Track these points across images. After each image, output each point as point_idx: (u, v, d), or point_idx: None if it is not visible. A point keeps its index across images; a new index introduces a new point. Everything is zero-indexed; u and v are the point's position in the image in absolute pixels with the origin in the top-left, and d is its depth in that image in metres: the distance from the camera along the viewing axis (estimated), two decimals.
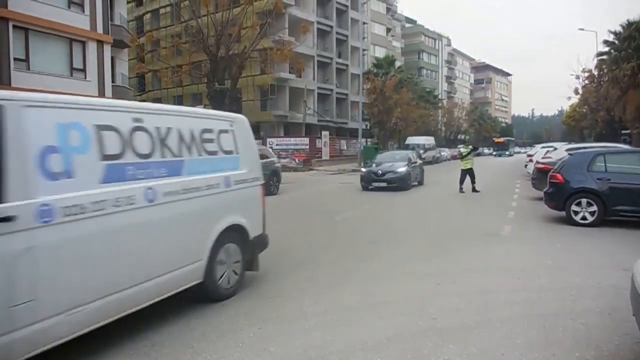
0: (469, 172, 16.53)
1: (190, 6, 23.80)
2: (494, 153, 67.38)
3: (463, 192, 16.19)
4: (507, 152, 68.89)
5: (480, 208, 12.74)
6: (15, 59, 19.61)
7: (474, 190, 16.22)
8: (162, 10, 45.14)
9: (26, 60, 20.25)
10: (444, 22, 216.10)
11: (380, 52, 58.31)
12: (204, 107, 36.26)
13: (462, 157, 17.38)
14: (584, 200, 9.35)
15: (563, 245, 7.67)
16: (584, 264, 6.49)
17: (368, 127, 44.78)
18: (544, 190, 10.55)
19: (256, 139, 28.84)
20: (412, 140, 43.10)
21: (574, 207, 9.45)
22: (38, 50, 20.70)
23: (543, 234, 8.71)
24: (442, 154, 48.08)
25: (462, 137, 73.54)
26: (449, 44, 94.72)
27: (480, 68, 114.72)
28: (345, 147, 41.80)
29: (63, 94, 19.73)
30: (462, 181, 16.55)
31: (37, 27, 20.25)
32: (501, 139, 75.77)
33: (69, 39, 21.84)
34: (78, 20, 22.04)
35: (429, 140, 44.15)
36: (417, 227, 10.02)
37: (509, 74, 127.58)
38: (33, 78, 20.00)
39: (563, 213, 9.70)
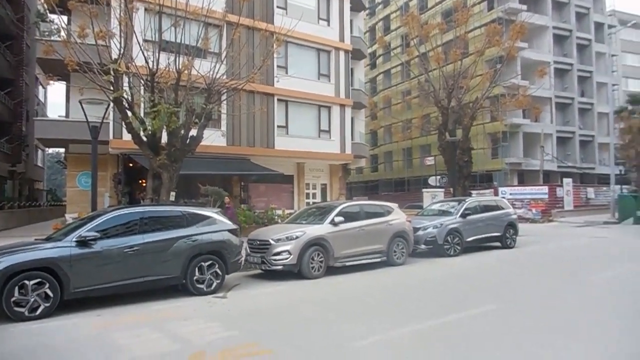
0: None
1: (421, 63, 24.94)
2: None
3: None
4: None
5: None
6: (278, 126, 23.58)
7: None
8: (393, 70, 48.49)
9: (285, 126, 24.12)
10: None
11: (635, 86, 50.33)
12: (434, 158, 36.85)
13: None
14: None
15: None
16: None
17: (623, 173, 38.42)
18: None
19: (487, 188, 27.49)
20: None
21: None
22: (294, 117, 24.49)
23: None
24: None
25: None
26: None
27: None
28: (593, 196, 36.51)
29: (312, 152, 22.60)
30: None
31: (294, 98, 24.06)
32: None
33: (318, 105, 25.28)
34: (325, 89, 25.41)
35: None
36: None
37: None
38: (290, 141, 23.68)
39: None
